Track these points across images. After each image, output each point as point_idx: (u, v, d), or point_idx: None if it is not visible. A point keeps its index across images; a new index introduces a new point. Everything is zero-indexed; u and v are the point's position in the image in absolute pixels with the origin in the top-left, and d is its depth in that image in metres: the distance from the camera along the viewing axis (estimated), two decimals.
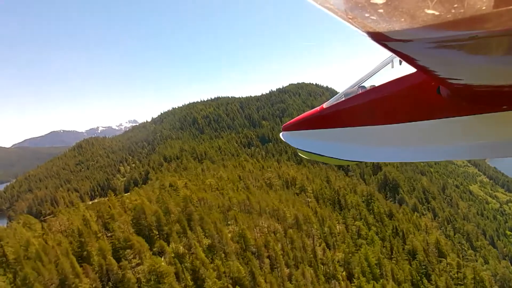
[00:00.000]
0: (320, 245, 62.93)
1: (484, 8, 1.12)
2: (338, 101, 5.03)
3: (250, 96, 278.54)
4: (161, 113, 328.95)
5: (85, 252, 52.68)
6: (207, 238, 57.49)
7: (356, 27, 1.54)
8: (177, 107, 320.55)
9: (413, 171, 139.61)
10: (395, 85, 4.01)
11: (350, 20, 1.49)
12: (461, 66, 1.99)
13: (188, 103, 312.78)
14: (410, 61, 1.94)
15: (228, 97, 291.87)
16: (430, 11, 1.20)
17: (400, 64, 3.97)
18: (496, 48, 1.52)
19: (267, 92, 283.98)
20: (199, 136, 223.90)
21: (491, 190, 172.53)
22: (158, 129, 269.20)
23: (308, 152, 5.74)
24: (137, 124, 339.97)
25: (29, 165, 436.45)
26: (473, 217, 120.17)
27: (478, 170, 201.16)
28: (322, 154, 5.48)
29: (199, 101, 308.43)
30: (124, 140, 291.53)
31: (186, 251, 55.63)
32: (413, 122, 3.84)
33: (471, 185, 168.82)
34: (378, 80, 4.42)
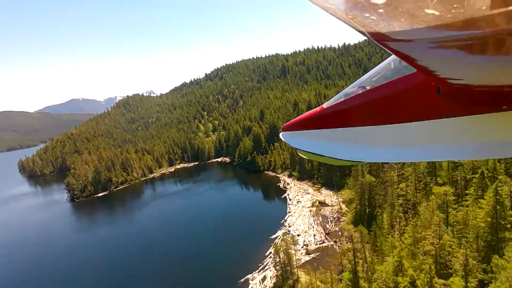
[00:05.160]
0: None
1: (484, 8, 1.10)
2: (338, 101, 4.91)
3: (347, 44, 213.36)
4: (216, 68, 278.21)
5: None
6: None
7: (356, 27, 1.51)
8: (235, 62, 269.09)
9: None
10: (395, 85, 3.90)
11: (350, 20, 1.45)
12: (461, 66, 1.96)
13: (242, 59, 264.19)
14: (410, 61, 1.91)
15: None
16: (430, 11, 1.19)
17: (400, 64, 3.91)
18: (496, 48, 1.48)
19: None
20: (304, 85, 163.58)
21: None
22: (226, 83, 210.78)
23: (308, 152, 5.58)
24: (154, 94, 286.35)
25: (52, 131, 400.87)
26: None
27: None
28: (322, 154, 5.31)
29: (253, 57, 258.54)
30: (180, 97, 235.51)
31: None
32: (413, 122, 3.77)
33: None
34: (378, 80, 4.30)
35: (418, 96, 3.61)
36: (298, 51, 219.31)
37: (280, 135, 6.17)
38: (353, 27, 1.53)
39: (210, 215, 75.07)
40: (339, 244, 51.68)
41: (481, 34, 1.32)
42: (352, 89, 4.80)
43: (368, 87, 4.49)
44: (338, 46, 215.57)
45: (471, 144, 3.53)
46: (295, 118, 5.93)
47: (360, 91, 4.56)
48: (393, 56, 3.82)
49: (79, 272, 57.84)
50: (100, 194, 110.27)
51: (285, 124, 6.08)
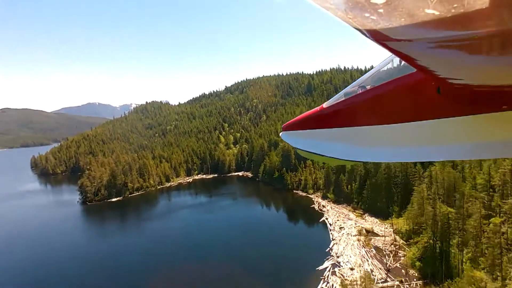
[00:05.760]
0: None
1: (484, 8, 1.10)
2: (338, 101, 4.94)
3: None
4: (237, 82, 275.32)
5: None
6: None
7: (356, 26, 1.51)
8: (256, 77, 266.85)
9: None
10: (395, 85, 3.93)
11: (350, 20, 1.45)
12: (461, 66, 1.96)
13: (263, 75, 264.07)
14: (410, 61, 1.91)
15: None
16: (430, 11, 1.19)
17: (400, 64, 3.94)
18: (496, 48, 1.48)
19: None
20: None
21: None
22: (247, 97, 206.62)
23: (308, 152, 5.59)
24: (171, 104, 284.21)
25: (66, 131, 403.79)
26: None
27: None
28: (322, 154, 5.33)
29: (275, 74, 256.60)
30: (199, 107, 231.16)
31: None
32: (413, 122, 3.79)
33: None
34: (378, 80, 4.29)
35: (418, 96, 3.56)
36: (324, 70, 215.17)
37: (280, 134, 6.05)
38: (353, 27, 1.52)
39: (239, 237, 66.74)
40: (407, 285, 42.71)
41: (481, 34, 1.31)
42: (352, 88, 4.67)
43: (368, 87, 4.37)
44: (365, 68, 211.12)
45: (471, 144, 3.48)
46: (295, 118, 5.81)
47: (360, 91, 4.44)
48: (393, 56, 3.78)
49: (79, 276, 52.09)
50: (113, 199, 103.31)
51: (285, 124, 5.95)
